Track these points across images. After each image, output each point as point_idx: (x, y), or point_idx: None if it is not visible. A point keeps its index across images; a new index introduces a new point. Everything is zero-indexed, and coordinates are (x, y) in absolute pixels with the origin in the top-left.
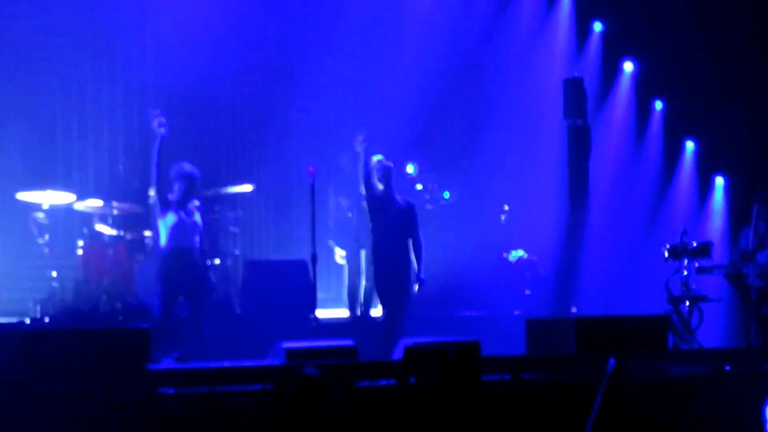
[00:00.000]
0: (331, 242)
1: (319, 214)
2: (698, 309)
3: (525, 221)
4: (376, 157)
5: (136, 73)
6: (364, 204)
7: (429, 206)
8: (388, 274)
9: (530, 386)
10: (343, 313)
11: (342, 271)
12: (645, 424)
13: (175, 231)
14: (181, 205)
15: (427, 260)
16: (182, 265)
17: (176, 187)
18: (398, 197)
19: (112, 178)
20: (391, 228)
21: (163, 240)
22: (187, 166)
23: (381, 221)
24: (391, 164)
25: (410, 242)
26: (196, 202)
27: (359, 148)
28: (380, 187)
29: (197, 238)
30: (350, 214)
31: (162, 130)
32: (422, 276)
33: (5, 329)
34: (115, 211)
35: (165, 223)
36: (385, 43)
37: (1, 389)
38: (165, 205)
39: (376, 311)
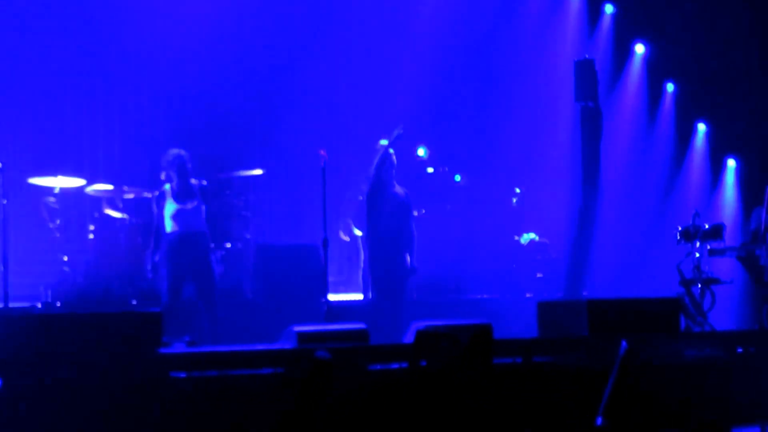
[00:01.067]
0: (349, 220)
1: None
2: (710, 291)
3: (536, 204)
4: (383, 142)
5: (147, 57)
6: (364, 187)
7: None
8: (382, 260)
9: (542, 369)
10: (355, 296)
11: (353, 254)
12: (657, 406)
13: (179, 216)
14: (180, 192)
15: (440, 243)
16: (187, 249)
17: (171, 175)
18: (396, 185)
19: (123, 163)
20: (388, 214)
21: (168, 226)
22: (173, 152)
23: (378, 207)
24: (392, 151)
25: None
26: (200, 181)
27: (393, 136)
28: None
29: (203, 222)
30: (361, 197)
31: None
32: (415, 264)
33: (17, 314)
34: (126, 195)
35: (168, 210)
36: (398, 26)
37: (13, 373)
38: (165, 194)
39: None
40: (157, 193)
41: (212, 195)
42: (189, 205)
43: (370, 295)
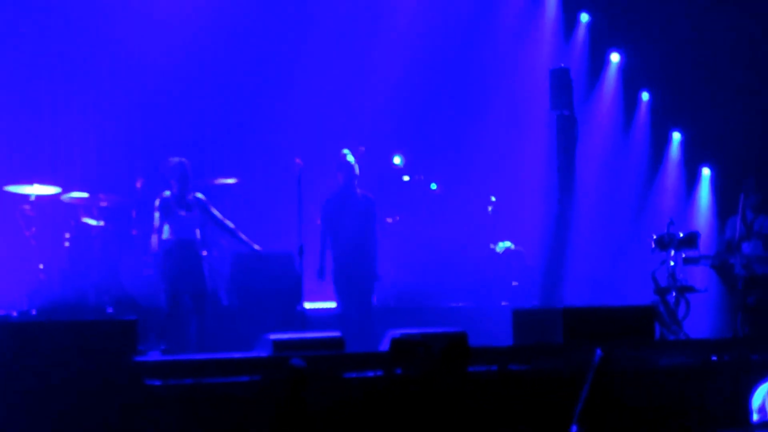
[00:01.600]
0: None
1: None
2: (685, 299)
3: (512, 212)
4: (344, 151)
5: (124, 64)
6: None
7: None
8: (345, 268)
9: (517, 377)
10: (331, 305)
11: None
12: (632, 414)
13: (176, 225)
14: (179, 200)
15: (416, 252)
16: (184, 257)
17: (172, 183)
18: (358, 192)
19: (99, 170)
20: (349, 221)
21: (165, 234)
22: (175, 160)
23: (338, 215)
24: (353, 160)
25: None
26: (199, 195)
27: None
28: (340, 181)
29: (197, 231)
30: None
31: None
32: (378, 272)
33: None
34: (102, 203)
35: (166, 218)
36: (372, 35)
37: None
38: (164, 201)
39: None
40: (158, 201)
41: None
42: (186, 213)
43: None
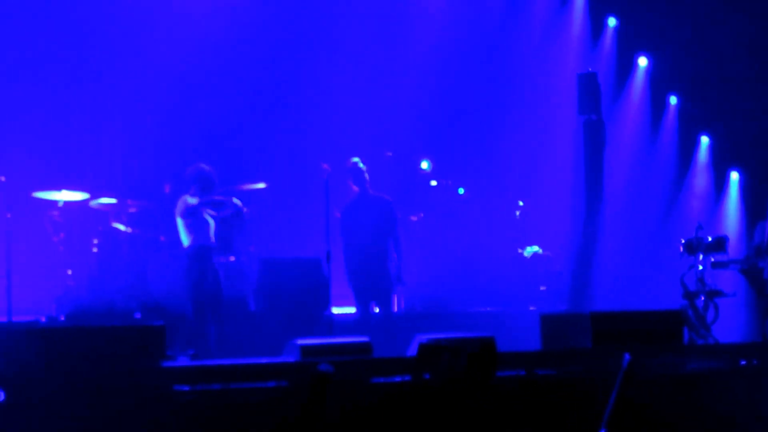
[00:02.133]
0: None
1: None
2: (714, 304)
3: (540, 217)
4: (354, 159)
5: (152, 70)
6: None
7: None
8: (360, 273)
9: (545, 382)
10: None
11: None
12: (660, 419)
13: (196, 229)
14: (200, 205)
15: (443, 256)
16: (204, 262)
17: (193, 188)
18: (373, 195)
19: (127, 176)
20: (364, 228)
21: (186, 240)
22: (203, 167)
23: (352, 221)
24: (364, 167)
25: (389, 241)
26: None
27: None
28: (354, 189)
29: (212, 236)
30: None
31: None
32: (401, 276)
33: (21, 327)
34: (130, 209)
35: (186, 223)
36: (400, 40)
37: (16, 387)
38: (185, 206)
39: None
40: (182, 205)
41: (217, 209)
42: (206, 219)
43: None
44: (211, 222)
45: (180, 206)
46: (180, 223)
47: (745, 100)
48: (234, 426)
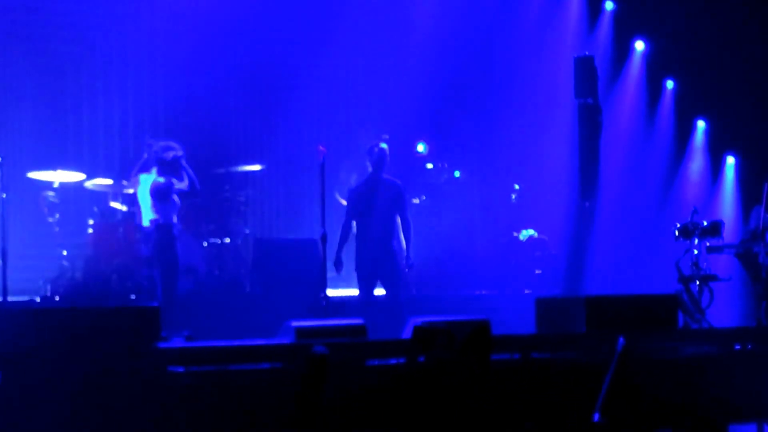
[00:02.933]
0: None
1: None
2: (708, 288)
3: (536, 200)
4: (382, 145)
5: (147, 52)
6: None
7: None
8: (370, 255)
9: (540, 365)
10: (353, 292)
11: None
12: (655, 403)
13: (165, 208)
14: (169, 183)
15: (439, 239)
16: (174, 240)
17: (154, 169)
18: (386, 178)
19: (123, 157)
20: (377, 210)
21: (152, 217)
22: (159, 145)
23: (362, 203)
24: (386, 147)
25: (398, 223)
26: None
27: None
28: (369, 169)
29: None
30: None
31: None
32: (411, 259)
33: (16, 308)
34: (126, 190)
35: (154, 202)
36: (397, 23)
37: (11, 367)
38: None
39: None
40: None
41: (210, 190)
42: (166, 196)
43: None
44: (177, 200)
45: (148, 184)
46: (147, 201)
47: (741, 85)
48: (228, 407)
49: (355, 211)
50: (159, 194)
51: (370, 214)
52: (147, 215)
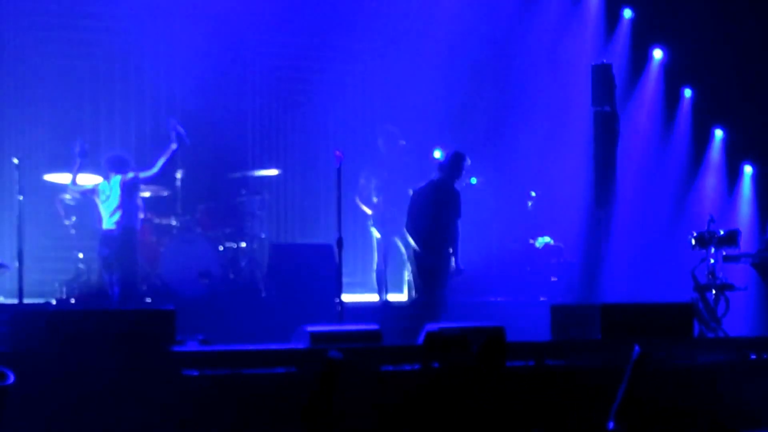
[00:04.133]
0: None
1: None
2: (724, 297)
3: (552, 207)
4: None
5: (165, 56)
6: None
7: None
8: (429, 259)
9: (554, 372)
10: (370, 297)
11: (367, 255)
12: (669, 411)
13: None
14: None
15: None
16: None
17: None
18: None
19: (139, 161)
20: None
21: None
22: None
23: (425, 207)
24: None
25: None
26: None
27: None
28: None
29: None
30: (376, 199)
31: (174, 146)
32: (460, 266)
33: (32, 310)
34: (143, 194)
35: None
36: (415, 29)
37: (26, 369)
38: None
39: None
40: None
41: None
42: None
43: (413, 294)
44: (140, 202)
45: (128, 186)
46: (112, 202)
47: (759, 94)
48: (242, 411)
49: (414, 214)
50: (128, 192)
51: (428, 219)
52: (111, 218)
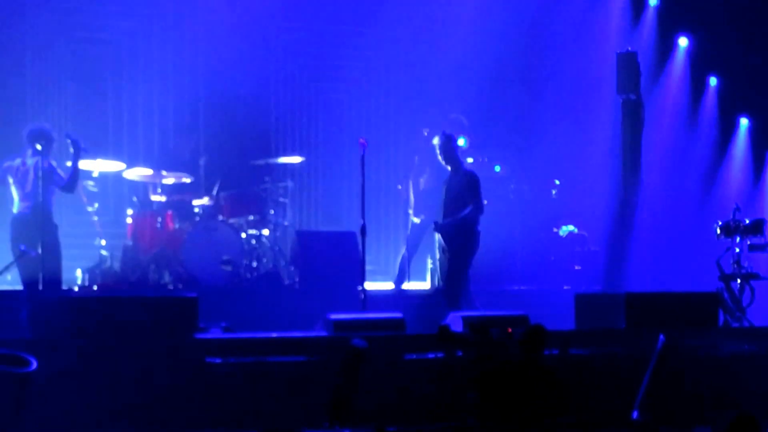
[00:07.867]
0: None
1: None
2: (750, 287)
3: (576, 196)
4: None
5: (189, 43)
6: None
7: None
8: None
9: (579, 361)
10: (392, 286)
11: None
12: (694, 400)
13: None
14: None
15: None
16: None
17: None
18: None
19: (162, 148)
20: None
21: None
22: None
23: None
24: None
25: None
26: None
27: None
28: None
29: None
30: (400, 186)
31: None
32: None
33: (54, 297)
34: (166, 180)
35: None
36: (439, 17)
37: (49, 355)
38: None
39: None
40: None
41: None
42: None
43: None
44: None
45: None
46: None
47: None
48: (264, 398)
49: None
50: (46, 177)
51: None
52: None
